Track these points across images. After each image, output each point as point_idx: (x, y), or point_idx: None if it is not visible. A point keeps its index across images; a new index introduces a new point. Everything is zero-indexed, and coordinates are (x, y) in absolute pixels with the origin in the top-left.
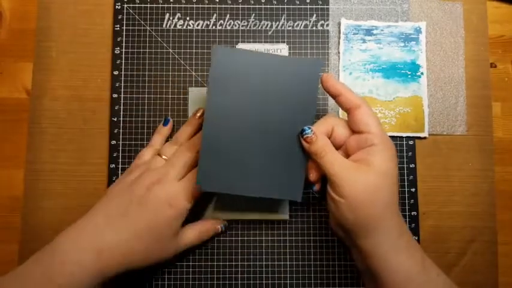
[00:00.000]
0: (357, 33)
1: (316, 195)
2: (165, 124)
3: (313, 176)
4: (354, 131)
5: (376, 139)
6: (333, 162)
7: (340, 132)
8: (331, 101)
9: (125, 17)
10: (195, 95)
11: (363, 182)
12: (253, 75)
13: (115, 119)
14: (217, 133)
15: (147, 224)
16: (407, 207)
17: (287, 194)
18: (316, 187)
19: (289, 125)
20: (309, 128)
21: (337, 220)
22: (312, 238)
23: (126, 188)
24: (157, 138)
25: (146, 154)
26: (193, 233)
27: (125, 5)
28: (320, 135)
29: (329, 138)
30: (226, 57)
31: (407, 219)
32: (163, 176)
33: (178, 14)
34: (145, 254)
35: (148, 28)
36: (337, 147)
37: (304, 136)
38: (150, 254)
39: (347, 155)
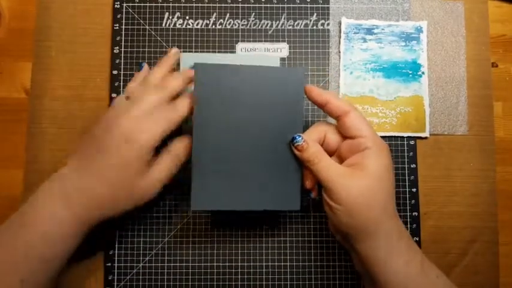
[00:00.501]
0: (358, 33)
1: (316, 199)
2: (139, 70)
3: (308, 183)
4: (345, 136)
5: (369, 142)
6: (327, 168)
7: (332, 138)
8: None
9: (124, 16)
10: (187, 59)
11: (358, 187)
12: (238, 89)
13: None
14: (207, 151)
15: (106, 165)
16: (408, 208)
17: (285, 204)
18: (313, 194)
19: (278, 135)
20: (299, 136)
21: (335, 225)
22: (312, 239)
23: (90, 133)
24: (131, 84)
25: (118, 100)
26: (165, 164)
27: (124, 4)
28: (311, 142)
29: (321, 145)
30: (209, 74)
31: (408, 220)
32: (121, 112)
33: (178, 13)
34: (112, 198)
35: (147, 27)
36: (331, 154)
37: (295, 144)
38: (117, 197)
39: (341, 161)
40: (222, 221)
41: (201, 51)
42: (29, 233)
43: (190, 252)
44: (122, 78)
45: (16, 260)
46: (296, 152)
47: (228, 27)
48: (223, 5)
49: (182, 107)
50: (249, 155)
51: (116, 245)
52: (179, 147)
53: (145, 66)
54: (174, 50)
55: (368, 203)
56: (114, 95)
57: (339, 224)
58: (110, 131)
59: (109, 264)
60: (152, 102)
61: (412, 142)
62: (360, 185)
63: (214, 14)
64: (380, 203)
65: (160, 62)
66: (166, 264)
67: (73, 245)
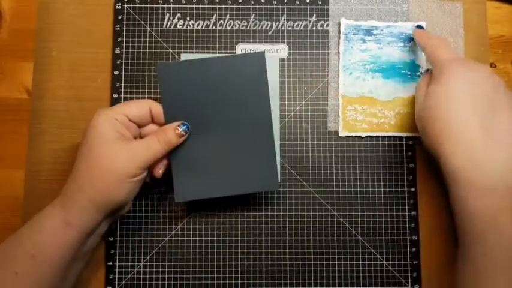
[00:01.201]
0: (357, 33)
1: None
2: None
3: None
4: None
5: (446, 56)
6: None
7: None
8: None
9: (125, 17)
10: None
11: (458, 75)
12: (203, 81)
13: None
14: (182, 146)
15: (88, 154)
16: (407, 207)
17: (263, 185)
18: None
19: (248, 119)
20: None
21: (425, 125)
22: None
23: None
24: None
25: None
26: (152, 140)
27: (125, 5)
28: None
29: None
30: (172, 72)
31: (407, 219)
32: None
33: (179, 14)
34: (107, 184)
35: (148, 28)
36: None
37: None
38: (104, 184)
39: None
40: (223, 221)
41: (201, 52)
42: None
43: (191, 251)
44: (123, 78)
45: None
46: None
47: (228, 28)
48: (223, 6)
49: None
50: (222, 143)
51: (117, 244)
52: (166, 129)
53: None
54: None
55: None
56: (115, 95)
57: (430, 119)
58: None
59: (110, 263)
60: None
61: (411, 142)
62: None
63: (215, 15)
64: (446, 128)
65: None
66: (167, 263)
67: (70, 249)
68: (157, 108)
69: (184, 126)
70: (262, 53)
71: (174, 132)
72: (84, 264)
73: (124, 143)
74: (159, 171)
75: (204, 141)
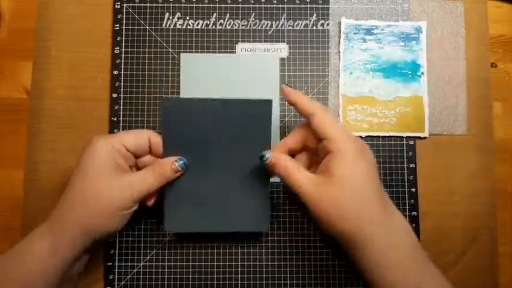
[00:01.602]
0: (358, 33)
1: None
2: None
3: None
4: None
5: (333, 145)
6: (298, 181)
7: (313, 140)
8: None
9: (124, 16)
10: (187, 59)
11: (327, 197)
12: (205, 119)
13: (115, 119)
14: (178, 178)
15: (82, 181)
16: (407, 207)
17: (254, 226)
18: None
19: (247, 161)
20: (267, 153)
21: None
22: (312, 238)
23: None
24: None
25: None
26: (147, 173)
27: (125, 5)
28: (282, 156)
29: (303, 149)
30: (175, 107)
31: (408, 219)
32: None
33: (178, 14)
34: (99, 214)
35: (148, 28)
36: (313, 154)
37: (264, 162)
38: (96, 213)
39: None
40: None
41: (201, 52)
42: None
43: (191, 251)
44: (122, 78)
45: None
46: (268, 168)
47: (228, 27)
48: (223, 5)
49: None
50: (218, 180)
51: (117, 245)
52: (163, 163)
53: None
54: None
55: (339, 214)
56: (114, 95)
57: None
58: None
59: (110, 263)
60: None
61: (411, 142)
62: (328, 196)
63: (215, 14)
64: (352, 213)
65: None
66: (166, 264)
67: (55, 277)
68: (156, 140)
69: (182, 162)
70: (269, 101)
71: (170, 166)
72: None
73: (120, 174)
74: (151, 201)
75: (199, 176)
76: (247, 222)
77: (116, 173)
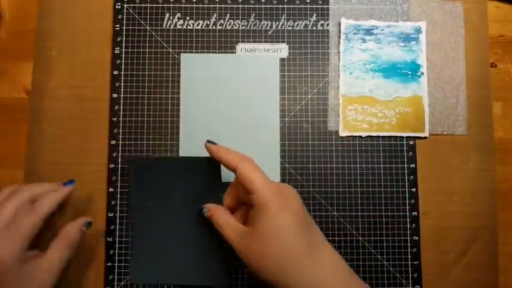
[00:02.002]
0: (357, 33)
1: None
2: (66, 184)
3: None
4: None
5: (255, 198)
6: (227, 235)
7: (244, 194)
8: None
9: (125, 16)
10: (187, 60)
11: (252, 249)
12: (168, 179)
13: (115, 119)
14: (144, 235)
15: None
16: (407, 208)
17: (214, 281)
18: None
19: (204, 218)
20: (205, 207)
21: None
22: None
23: None
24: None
25: None
26: (57, 248)
27: (125, 5)
28: (217, 210)
29: (240, 199)
30: (142, 168)
31: (408, 219)
32: None
33: (178, 14)
34: None
35: (148, 28)
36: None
37: (205, 215)
38: None
39: None
40: None
41: (201, 52)
42: None
43: None
44: (122, 78)
45: None
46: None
47: (228, 27)
48: (223, 5)
49: (40, 206)
50: (181, 235)
51: (117, 245)
52: (71, 232)
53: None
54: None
55: (262, 264)
56: (114, 95)
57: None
58: None
59: (109, 264)
60: (8, 215)
61: (411, 142)
62: (252, 247)
63: (215, 14)
64: (273, 266)
65: (55, 187)
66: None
67: None
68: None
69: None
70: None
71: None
72: None
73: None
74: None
75: (164, 230)
76: (209, 277)
77: (22, 268)
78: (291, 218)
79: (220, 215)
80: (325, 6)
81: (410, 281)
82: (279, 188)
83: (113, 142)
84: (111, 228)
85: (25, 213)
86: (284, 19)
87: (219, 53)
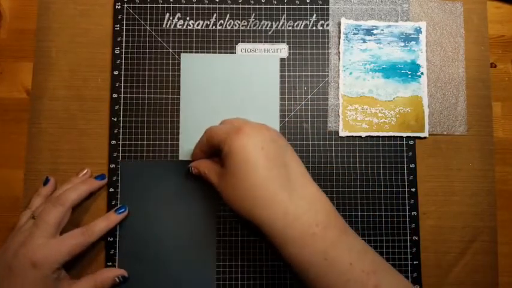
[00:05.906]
0: (357, 33)
1: None
2: (45, 184)
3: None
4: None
5: (221, 145)
6: (210, 179)
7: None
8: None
9: (125, 16)
10: (187, 60)
11: (226, 186)
12: (158, 182)
13: (115, 119)
14: (132, 246)
15: None
16: (407, 207)
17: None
18: None
19: (193, 227)
20: (190, 167)
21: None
22: None
23: (1, 257)
24: (36, 200)
25: (23, 218)
26: (87, 285)
27: (125, 5)
28: (200, 162)
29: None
30: (132, 169)
31: (408, 219)
32: (27, 237)
33: (179, 14)
34: None
35: (148, 28)
36: None
37: (193, 173)
38: None
39: None
40: (223, 221)
41: (201, 52)
42: None
43: None
44: (122, 78)
45: None
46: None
47: (228, 27)
48: (223, 5)
49: (97, 231)
50: (169, 252)
51: (117, 245)
52: (105, 277)
53: (52, 180)
54: (86, 169)
55: (238, 199)
56: (114, 95)
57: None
58: (17, 256)
59: (110, 263)
60: (54, 223)
61: (411, 142)
62: (228, 184)
63: (215, 14)
64: (244, 197)
65: (69, 181)
66: None
67: None
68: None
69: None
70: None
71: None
72: None
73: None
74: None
75: (152, 247)
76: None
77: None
78: (256, 151)
79: (205, 166)
80: (325, 6)
81: (409, 281)
82: (242, 125)
83: (113, 142)
84: (111, 228)
85: (77, 232)
86: (284, 19)
87: (219, 53)
